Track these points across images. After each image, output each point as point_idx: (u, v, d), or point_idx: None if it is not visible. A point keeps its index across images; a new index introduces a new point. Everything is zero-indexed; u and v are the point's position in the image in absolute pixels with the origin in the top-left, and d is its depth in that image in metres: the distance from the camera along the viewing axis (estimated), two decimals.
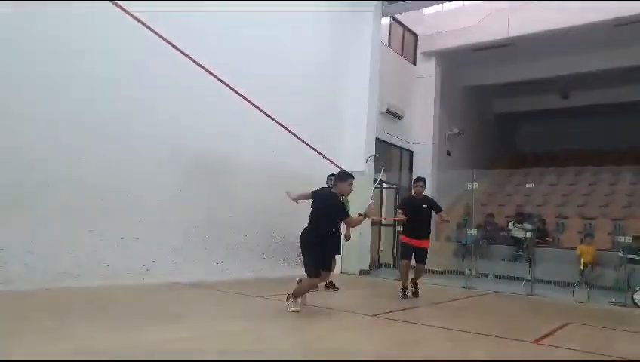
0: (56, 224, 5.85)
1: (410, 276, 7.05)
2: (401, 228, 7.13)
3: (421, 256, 6.94)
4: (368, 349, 3.92)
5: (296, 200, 5.77)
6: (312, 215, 5.47)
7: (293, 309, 5.16)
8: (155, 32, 6.57)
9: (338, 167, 10.03)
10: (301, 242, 5.42)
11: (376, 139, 11.41)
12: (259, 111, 8.48)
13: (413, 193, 7.11)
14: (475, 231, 11.68)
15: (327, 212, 5.34)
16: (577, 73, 14.27)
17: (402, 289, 6.90)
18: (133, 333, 3.81)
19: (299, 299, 5.30)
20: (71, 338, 3.55)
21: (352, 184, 5.40)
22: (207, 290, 6.50)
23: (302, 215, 8.81)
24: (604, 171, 15.01)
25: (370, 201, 5.75)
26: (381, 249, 12.64)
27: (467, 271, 9.81)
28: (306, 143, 9.52)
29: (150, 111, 6.99)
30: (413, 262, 7.10)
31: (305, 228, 5.45)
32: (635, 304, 7.82)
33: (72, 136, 6.09)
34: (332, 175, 7.93)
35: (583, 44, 12.69)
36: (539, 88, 16.44)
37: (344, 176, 5.46)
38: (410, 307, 6.36)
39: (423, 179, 7.13)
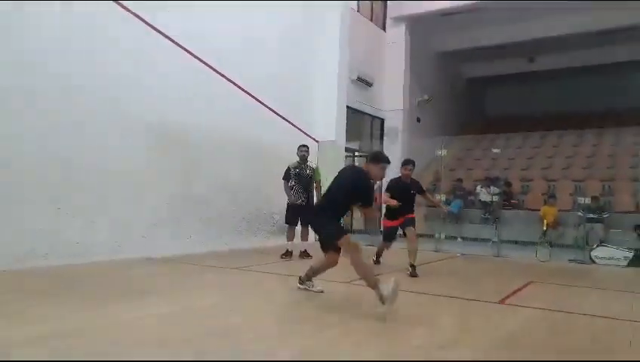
0: (20, 202, 5.70)
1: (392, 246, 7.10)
2: (385, 212, 6.84)
3: (409, 222, 6.60)
4: (341, 316, 4.05)
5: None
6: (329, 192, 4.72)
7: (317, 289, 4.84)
8: (124, 7, 6.51)
9: (309, 136, 10.05)
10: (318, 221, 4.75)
11: (347, 107, 11.42)
12: (228, 83, 8.38)
13: (400, 176, 6.64)
14: (461, 202, 12.03)
15: (350, 190, 4.55)
16: (543, 37, 14.48)
17: (376, 256, 7.07)
18: (107, 311, 3.83)
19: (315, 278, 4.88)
20: (38, 322, 3.47)
21: (385, 168, 4.63)
22: (180, 264, 6.52)
23: (274, 187, 8.89)
24: (568, 134, 15.48)
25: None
26: (354, 216, 12.84)
27: (437, 235, 10.11)
28: (276, 113, 9.48)
29: (118, 86, 6.79)
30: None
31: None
32: (593, 261, 8.25)
33: (36, 111, 5.89)
34: (303, 145, 7.96)
35: (549, 8, 12.83)
36: (507, 53, 16.62)
37: (378, 158, 4.68)
38: (382, 272, 6.53)
39: (413, 162, 6.72)
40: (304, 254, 7.45)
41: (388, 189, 6.65)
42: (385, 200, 6.55)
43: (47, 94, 6.00)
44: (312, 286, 4.89)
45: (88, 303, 4.09)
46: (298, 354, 2.99)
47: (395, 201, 6.34)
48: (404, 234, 6.66)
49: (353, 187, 4.55)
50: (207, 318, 3.81)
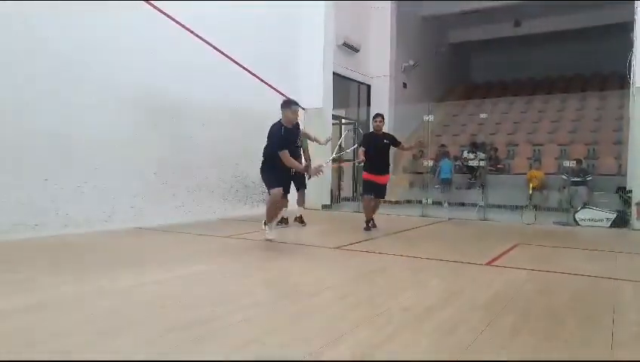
0: (6, 173, 5.63)
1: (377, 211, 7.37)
2: (363, 165, 7.24)
3: (381, 191, 7.18)
4: (332, 282, 4.11)
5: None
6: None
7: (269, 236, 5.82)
8: None
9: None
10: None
11: (334, 73, 11.30)
12: (214, 50, 8.23)
13: (372, 129, 7.18)
14: (451, 163, 12.08)
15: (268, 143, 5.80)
16: (529, 1, 14.35)
17: (366, 222, 7.17)
18: (100, 281, 3.84)
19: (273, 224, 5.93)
20: (33, 291, 3.50)
21: (296, 112, 5.68)
22: (170, 233, 6.53)
23: (261, 155, 8.80)
24: (553, 99, 15.55)
25: (324, 164, 6.11)
26: (342, 183, 12.91)
27: (424, 201, 10.22)
28: (263, 81, 9.36)
29: (105, 56, 6.65)
30: None
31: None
32: (577, 223, 8.43)
33: (21, 81, 5.75)
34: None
35: None
36: (492, 17, 16.48)
37: (284, 103, 5.69)
38: (371, 238, 6.63)
39: (382, 115, 7.20)
40: (299, 219, 7.50)
41: (362, 143, 7.15)
42: (358, 154, 7.19)
43: (31, 64, 5.85)
44: (267, 231, 5.86)
45: (82, 273, 4.10)
46: (296, 318, 3.05)
47: (362, 158, 6.92)
48: (375, 196, 7.19)
49: (268, 135, 5.70)
50: (202, 285, 3.85)
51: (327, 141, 7.54)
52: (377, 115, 7.19)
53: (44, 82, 5.98)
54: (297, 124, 5.93)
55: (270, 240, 5.81)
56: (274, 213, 5.88)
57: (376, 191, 7.13)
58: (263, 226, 6.13)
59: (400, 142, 7.37)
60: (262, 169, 5.91)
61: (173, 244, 5.91)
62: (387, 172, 7.29)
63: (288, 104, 5.69)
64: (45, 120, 5.99)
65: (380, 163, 7.06)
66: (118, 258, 4.90)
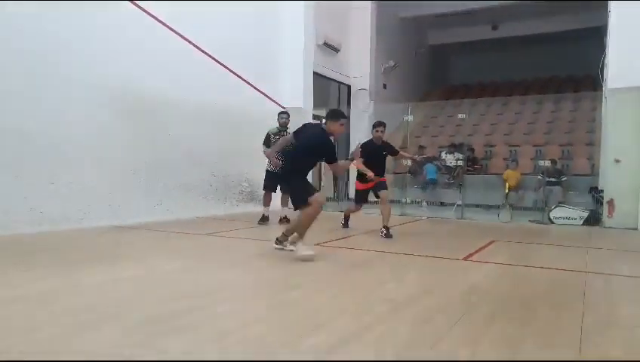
0: None
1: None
2: (357, 175, 6.88)
3: (381, 185, 6.71)
4: (312, 276, 4.13)
5: (274, 156, 5.38)
6: (292, 151, 4.96)
7: (307, 253, 4.65)
8: None
9: (276, 103, 9.96)
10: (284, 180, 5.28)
11: (314, 73, 11.33)
12: (195, 49, 8.19)
13: (372, 138, 6.74)
14: (435, 166, 12.20)
15: (312, 149, 4.82)
16: (507, 4, 14.62)
17: (344, 218, 7.19)
18: (76, 276, 3.79)
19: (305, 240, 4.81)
20: (6, 286, 3.43)
21: (343, 125, 4.90)
22: (147, 231, 6.47)
23: (242, 154, 8.84)
24: (529, 100, 15.84)
25: (358, 143, 5.62)
26: (322, 184, 12.93)
27: (402, 200, 10.32)
28: (243, 79, 9.33)
29: (81, 50, 6.57)
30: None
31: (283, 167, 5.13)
32: (551, 221, 8.62)
33: None
34: (283, 112, 7.87)
35: None
36: (471, 20, 16.72)
37: (336, 115, 4.90)
38: (351, 235, 6.67)
39: (384, 124, 6.74)
40: (284, 220, 7.47)
41: (361, 154, 6.45)
42: (360, 167, 6.50)
43: (2, 59, 5.74)
44: (287, 245, 4.97)
45: (55, 269, 4.04)
46: (275, 309, 3.06)
47: (372, 173, 6.35)
48: (377, 196, 6.79)
49: (316, 145, 4.79)
50: (178, 280, 3.83)
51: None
52: (379, 124, 6.73)
53: (16, 78, 5.87)
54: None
55: (312, 255, 4.67)
56: (310, 225, 4.80)
57: (378, 187, 6.72)
58: (290, 246, 4.93)
59: (398, 151, 7.14)
60: (289, 178, 5.03)
61: (151, 242, 5.85)
62: (382, 175, 6.88)
63: (339, 117, 4.89)
64: (18, 116, 5.88)
65: (376, 172, 6.57)
66: (94, 254, 4.83)
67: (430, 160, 12.40)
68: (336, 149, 5.08)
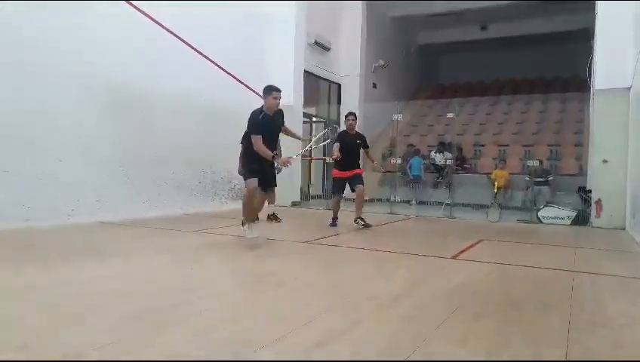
0: None
1: (343, 207, 7.33)
2: (334, 163, 7.14)
3: (357, 180, 7.00)
4: (299, 273, 4.11)
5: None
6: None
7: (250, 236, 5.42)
8: None
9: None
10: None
11: (305, 71, 11.30)
12: (183, 45, 8.13)
13: (345, 128, 7.10)
14: (421, 160, 12.18)
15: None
16: (496, 6, 14.69)
17: (332, 219, 7.18)
18: (62, 272, 3.74)
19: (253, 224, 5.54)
20: None
21: (277, 98, 5.47)
22: (135, 228, 6.40)
23: (232, 151, 8.73)
24: (517, 100, 15.96)
25: (294, 156, 6.06)
26: (311, 181, 12.91)
27: (391, 198, 10.33)
28: (233, 76, 9.28)
29: (70, 45, 6.49)
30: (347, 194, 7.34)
31: None
32: (540, 220, 8.68)
33: None
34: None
35: None
36: (460, 20, 16.79)
37: (265, 90, 5.51)
38: (339, 233, 6.65)
39: (354, 114, 7.13)
40: (272, 217, 7.45)
41: (336, 141, 7.00)
42: (333, 151, 6.86)
43: (4, 57, 5.67)
44: (247, 231, 5.48)
45: (41, 264, 4.00)
46: (262, 305, 3.03)
47: (337, 154, 6.73)
48: (352, 190, 7.03)
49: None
50: (165, 276, 3.79)
51: (310, 140, 7.30)
52: (350, 114, 7.11)
53: (3, 71, 5.78)
54: (281, 112, 5.68)
55: (254, 238, 5.42)
56: (251, 208, 5.50)
57: (353, 182, 7.01)
58: (242, 226, 5.67)
59: (368, 147, 7.37)
60: (240, 159, 5.77)
61: (138, 238, 5.80)
62: (358, 167, 7.20)
63: (270, 90, 5.53)
64: (5, 110, 5.80)
65: (351, 161, 6.99)
66: (81, 250, 4.78)
67: (416, 154, 12.39)
68: (254, 125, 5.40)
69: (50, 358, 2.05)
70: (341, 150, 6.77)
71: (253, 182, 5.39)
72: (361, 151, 7.23)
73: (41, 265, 3.91)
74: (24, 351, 2.13)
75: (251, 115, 5.45)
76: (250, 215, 5.53)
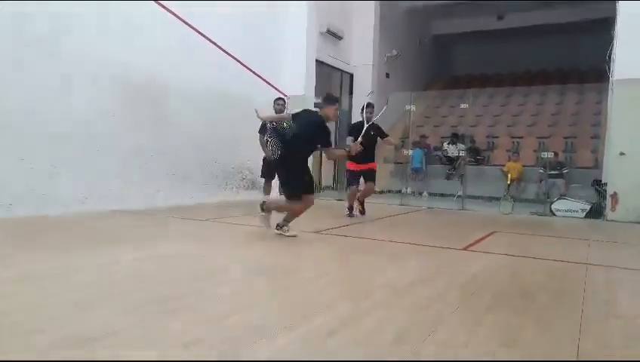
0: None
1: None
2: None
3: (371, 176, 7.15)
4: (310, 262, 4.13)
5: (264, 119, 5.33)
6: (289, 137, 4.91)
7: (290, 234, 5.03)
8: None
9: (278, 90, 9.91)
10: (278, 167, 5.12)
11: (317, 61, 11.26)
12: (196, 35, 8.13)
13: (362, 119, 6.71)
14: (422, 152, 12.09)
15: (308, 136, 4.86)
16: None
17: (348, 208, 7.18)
18: (76, 258, 3.79)
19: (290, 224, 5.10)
20: (8, 266, 3.44)
21: (337, 109, 5.06)
22: (148, 216, 6.47)
23: (244, 141, 8.78)
24: (533, 92, 15.75)
25: (360, 140, 5.65)
26: (322, 172, 12.91)
27: (403, 190, 10.30)
28: (245, 66, 9.27)
29: (83, 35, 6.52)
30: (361, 186, 7.35)
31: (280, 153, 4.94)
32: (553, 213, 8.60)
33: None
34: (279, 99, 7.84)
35: None
36: (476, 10, 16.58)
37: (332, 99, 5.08)
38: (351, 223, 6.66)
39: (372, 105, 6.92)
40: None
41: (350, 133, 6.97)
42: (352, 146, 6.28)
43: (3, 40, 5.70)
44: (287, 231, 5.06)
45: (56, 251, 4.04)
46: (273, 293, 3.05)
47: (360, 146, 6.03)
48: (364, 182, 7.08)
49: (313, 130, 4.84)
50: (178, 264, 3.83)
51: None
52: (368, 105, 6.82)
53: (19, 58, 5.84)
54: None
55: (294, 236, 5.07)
56: (297, 216, 5.12)
57: (366, 177, 7.11)
58: (277, 229, 5.14)
59: (387, 135, 7.40)
60: (285, 164, 4.96)
61: (151, 226, 5.85)
62: (373, 161, 7.26)
63: (335, 100, 5.11)
64: (22, 100, 5.86)
65: (368, 154, 6.88)
66: (95, 237, 4.84)
67: (418, 145, 12.26)
68: (331, 136, 5.18)
69: (64, 341, 2.09)
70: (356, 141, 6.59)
71: (312, 199, 5.02)
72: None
73: (57, 252, 3.97)
74: (40, 334, 2.17)
75: (323, 123, 4.92)
76: (294, 218, 5.14)
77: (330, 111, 4.96)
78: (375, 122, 6.81)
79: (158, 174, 7.74)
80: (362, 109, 6.71)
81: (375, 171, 7.24)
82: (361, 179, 7.25)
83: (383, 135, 7.28)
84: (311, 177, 5.15)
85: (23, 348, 2.01)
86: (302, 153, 5.02)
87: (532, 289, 3.38)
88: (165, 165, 7.87)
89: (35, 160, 6.03)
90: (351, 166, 7.13)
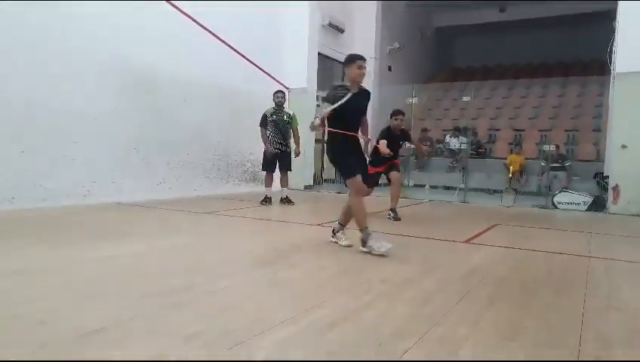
0: None
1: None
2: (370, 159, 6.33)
3: (394, 167, 6.64)
4: (311, 255, 4.12)
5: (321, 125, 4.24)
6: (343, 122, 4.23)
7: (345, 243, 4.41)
8: None
9: (280, 83, 9.88)
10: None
11: (319, 53, 11.21)
12: (199, 27, 8.10)
13: (390, 126, 6.52)
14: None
15: (361, 111, 4.39)
16: None
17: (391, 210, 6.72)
18: (78, 251, 3.80)
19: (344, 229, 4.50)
20: (9, 259, 3.47)
21: (362, 67, 4.24)
22: (150, 209, 6.47)
23: (246, 133, 8.76)
24: (535, 84, 15.68)
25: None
26: (324, 165, 12.89)
27: (405, 182, 10.27)
28: (247, 59, 9.25)
29: (86, 26, 6.51)
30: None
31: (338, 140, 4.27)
32: (555, 206, 8.58)
33: None
34: (279, 91, 7.81)
35: None
36: (478, 2, 16.47)
37: (350, 58, 4.32)
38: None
39: (403, 113, 6.60)
40: (285, 200, 7.47)
41: (381, 138, 6.21)
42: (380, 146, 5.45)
43: (8, 34, 5.69)
44: (342, 238, 4.47)
45: (58, 243, 4.06)
46: (274, 286, 3.06)
47: (388, 150, 5.33)
48: (388, 180, 6.68)
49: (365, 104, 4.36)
50: (179, 257, 3.84)
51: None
52: (397, 112, 6.52)
53: (22, 53, 5.82)
54: (367, 92, 4.44)
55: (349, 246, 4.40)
56: (363, 213, 4.25)
57: (391, 169, 6.62)
58: (332, 236, 4.57)
59: (413, 141, 7.22)
60: (332, 149, 4.35)
61: (152, 219, 5.86)
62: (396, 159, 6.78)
63: (353, 58, 4.29)
64: (23, 91, 5.85)
65: (391, 158, 6.30)
66: (97, 230, 4.85)
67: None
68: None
69: (65, 334, 2.09)
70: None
71: (359, 181, 4.22)
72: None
73: (60, 245, 3.99)
74: (43, 326, 2.17)
75: (332, 90, 4.34)
76: (364, 220, 4.23)
77: (351, 71, 4.25)
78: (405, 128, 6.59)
79: (161, 167, 7.75)
80: (391, 116, 6.48)
81: (399, 164, 6.83)
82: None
83: (411, 140, 6.98)
84: (357, 159, 4.35)
85: (24, 341, 2.02)
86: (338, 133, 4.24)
87: (533, 283, 3.38)
88: (168, 158, 7.87)
89: (37, 153, 6.03)
90: (372, 170, 6.19)
